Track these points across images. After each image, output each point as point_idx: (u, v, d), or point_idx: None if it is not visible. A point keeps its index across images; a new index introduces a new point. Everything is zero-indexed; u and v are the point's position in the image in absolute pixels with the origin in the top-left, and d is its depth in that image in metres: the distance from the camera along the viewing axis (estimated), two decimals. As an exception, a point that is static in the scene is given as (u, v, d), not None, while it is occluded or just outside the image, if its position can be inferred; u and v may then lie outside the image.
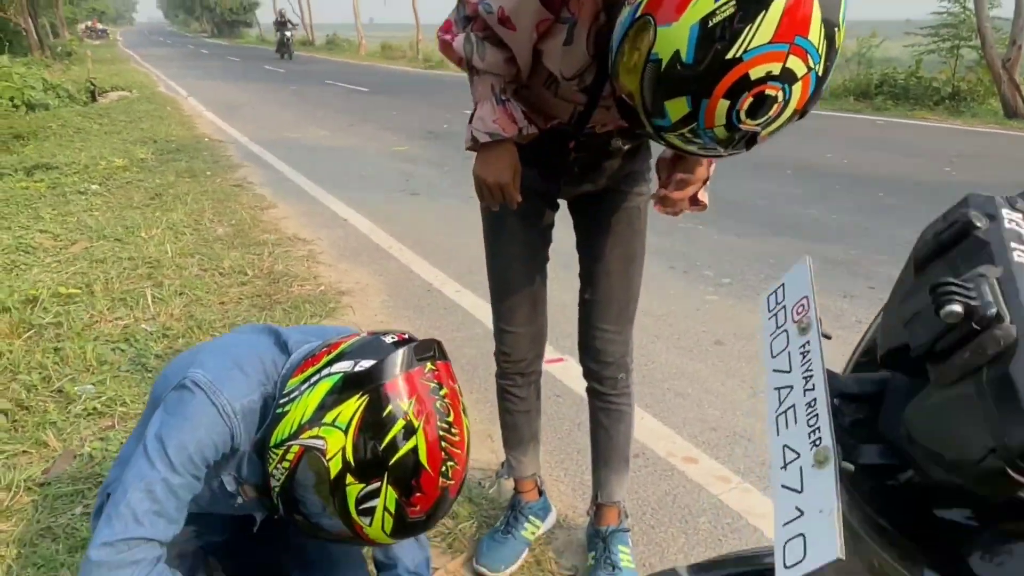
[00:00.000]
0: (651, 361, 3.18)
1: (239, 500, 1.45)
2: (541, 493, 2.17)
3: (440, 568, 2.03)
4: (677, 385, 2.97)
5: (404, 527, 1.25)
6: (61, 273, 4.21)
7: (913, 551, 0.58)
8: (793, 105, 1.12)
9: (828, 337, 0.64)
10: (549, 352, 3.23)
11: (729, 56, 1.07)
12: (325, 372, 1.27)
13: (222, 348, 1.45)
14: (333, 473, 1.20)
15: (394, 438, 1.18)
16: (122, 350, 3.24)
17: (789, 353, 0.65)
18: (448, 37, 1.55)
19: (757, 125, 1.13)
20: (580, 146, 1.63)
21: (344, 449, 1.19)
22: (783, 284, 0.70)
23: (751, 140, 1.18)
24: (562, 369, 3.08)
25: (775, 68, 1.07)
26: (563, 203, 1.85)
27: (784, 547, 0.54)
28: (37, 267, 4.33)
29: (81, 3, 47.60)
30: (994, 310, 0.49)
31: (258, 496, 1.42)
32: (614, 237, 1.76)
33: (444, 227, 5.36)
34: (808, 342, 0.63)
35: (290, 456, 1.25)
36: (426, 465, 1.20)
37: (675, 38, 1.09)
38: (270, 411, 1.35)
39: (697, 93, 1.11)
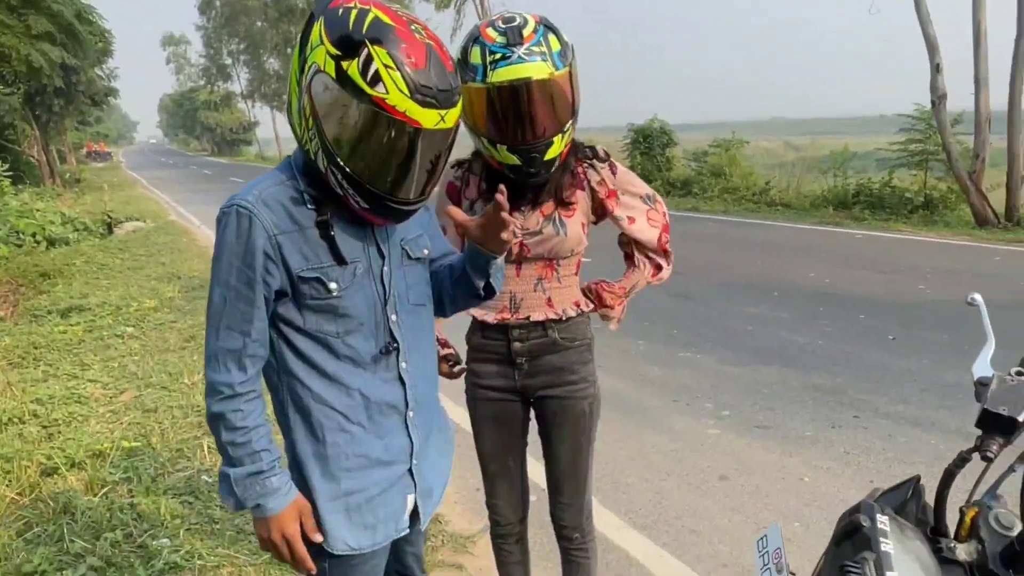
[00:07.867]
0: (665, 499, 3.57)
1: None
2: None
3: None
4: (690, 522, 3.34)
5: (417, 85, 1.38)
6: (117, 423, 4.61)
7: None
8: None
9: (795, 577, 1.08)
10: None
11: None
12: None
13: None
14: (332, 71, 1.38)
15: (356, 18, 1.38)
16: (190, 503, 3.61)
17: (772, 586, 1.08)
18: None
19: None
20: (519, 337, 2.06)
21: (327, 52, 1.39)
22: (766, 535, 1.14)
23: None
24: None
25: None
26: None
27: None
28: (93, 418, 4.73)
29: (87, 128, 49.40)
30: (873, 582, 0.93)
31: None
32: (563, 436, 2.15)
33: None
34: (782, 581, 1.07)
35: (307, 107, 1.43)
36: (392, 23, 1.39)
37: None
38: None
39: None
